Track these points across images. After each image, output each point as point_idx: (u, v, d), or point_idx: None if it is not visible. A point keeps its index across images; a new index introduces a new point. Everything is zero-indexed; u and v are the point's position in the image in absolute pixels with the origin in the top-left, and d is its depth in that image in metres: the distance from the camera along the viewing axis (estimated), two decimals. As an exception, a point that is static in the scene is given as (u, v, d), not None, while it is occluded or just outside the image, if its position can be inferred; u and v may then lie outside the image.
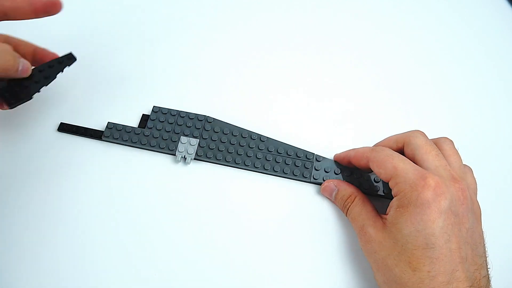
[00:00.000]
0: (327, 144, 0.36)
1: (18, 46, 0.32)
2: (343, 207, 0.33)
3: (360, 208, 0.31)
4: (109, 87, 0.39)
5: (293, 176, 0.34)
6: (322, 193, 0.34)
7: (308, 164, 0.35)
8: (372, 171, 0.32)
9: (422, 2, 0.46)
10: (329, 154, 0.36)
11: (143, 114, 0.37)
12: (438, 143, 0.31)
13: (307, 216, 0.34)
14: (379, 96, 0.40)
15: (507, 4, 0.47)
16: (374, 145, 0.34)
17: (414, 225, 0.26)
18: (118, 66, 0.40)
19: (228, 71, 0.41)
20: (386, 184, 0.33)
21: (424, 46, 0.43)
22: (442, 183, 0.27)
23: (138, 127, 0.36)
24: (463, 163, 0.31)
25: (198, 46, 0.42)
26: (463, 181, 0.28)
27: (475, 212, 0.29)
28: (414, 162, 0.29)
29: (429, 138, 0.31)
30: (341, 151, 0.35)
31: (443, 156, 0.30)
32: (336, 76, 0.41)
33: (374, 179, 0.34)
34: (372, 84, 0.41)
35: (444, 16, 0.46)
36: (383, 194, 0.33)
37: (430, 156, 0.29)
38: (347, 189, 0.33)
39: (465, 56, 0.43)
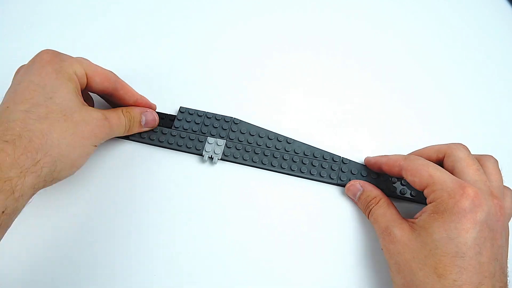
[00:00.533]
0: (354, 147, 0.37)
1: (125, 94, 0.34)
2: (365, 208, 0.32)
3: (385, 210, 0.31)
4: (136, 88, 0.39)
5: (319, 177, 0.35)
6: (346, 192, 0.34)
7: (334, 166, 0.35)
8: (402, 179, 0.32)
9: (425, 4, 0.47)
10: (356, 158, 0.36)
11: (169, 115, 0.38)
12: (481, 160, 0.31)
13: (332, 218, 0.34)
14: (406, 100, 0.41)
15: (507, 4, 0.48)
16: (412, 153, 0.35)
17: (447, 232, 0.26)
18: (145, 68, 0.41)
19: (255, 73, 0.41)
20: (414, 188, 0.33)
21: (438, 49, 0.44)
22: (481, 195, 0.26)
23: (164, 127, 0.37)
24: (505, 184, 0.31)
25: (226, 48, 0.43)
26: (501, 199, 0.28)
27: (506, 234, 0.28)
28: (453, 174, 0.29)
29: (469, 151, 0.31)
30: (369, 155, 0.35)
31: (484, 172, 0.29)
32: (364, 81, 0.41)
33: (401, 182, 0.34)
34: (396, 89, 0.41)
35: (445, 16, 0.47)
36: (410, 197, 0.34)
37: (470, 170, 0.29)
38: (372, 191, 0.33)
39: (470, 57, 0.44)
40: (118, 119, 0.32)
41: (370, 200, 0.32)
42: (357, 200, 0.34)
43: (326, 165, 0.35)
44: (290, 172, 0.35)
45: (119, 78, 0.33)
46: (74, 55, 0.32)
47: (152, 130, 0.36)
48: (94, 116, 0.30)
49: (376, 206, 0.31)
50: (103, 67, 0.33)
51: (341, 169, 0.35)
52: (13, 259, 0.31)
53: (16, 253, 0.31)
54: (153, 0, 0.46)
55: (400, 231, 0.28)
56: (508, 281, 0.27)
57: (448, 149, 0.31)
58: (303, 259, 0.32)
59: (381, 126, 0.39)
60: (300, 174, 0.35)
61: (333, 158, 0.35)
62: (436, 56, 0.44)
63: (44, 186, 0.27)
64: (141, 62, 0.41)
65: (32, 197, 0.27)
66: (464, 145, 0.31)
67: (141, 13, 0.45)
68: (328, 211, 0.34)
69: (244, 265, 0.32)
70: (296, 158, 0.35)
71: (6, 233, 0.26)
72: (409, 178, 0.30)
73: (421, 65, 0.43)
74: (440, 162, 0.31)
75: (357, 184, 0.34)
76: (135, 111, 0.35)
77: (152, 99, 0.38)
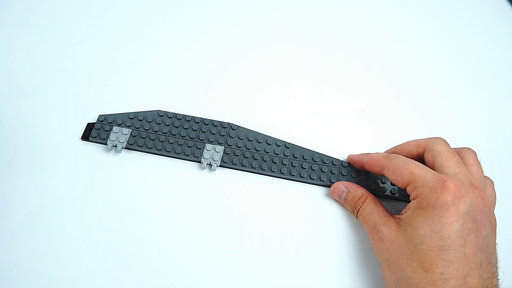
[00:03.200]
0: (353, 150, 0.36)
1: None
2: (353, 208, 0.33)
3: (372, 208, 0.31)
4: (133, 95, 0.39)
5: (319, 181, 0.35)
6: (331, 195, 0.34)
7: (334, 170, 0.35)
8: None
9: (425, 4, 0.48)
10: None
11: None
12: (461, 153, 0.31)
13: (334, 221, 0.34)
14: (403, 101, 0.41)
15: (507, 4, 0.48)
16: (393, 148, 0.35)
17: (431, 226, 0.26)
18: (136, 72, 0.40)
19: (251, 78, 0.41)
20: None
21: (438, 48, 0.45)
22: (462, 188, 0.27)
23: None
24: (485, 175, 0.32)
25: (221, 52, 0.43)
26: (482, 189, 0.29)
27: (491, 223, 0.29)
28: (433, 168, 0.30)
29: (452, 146, 0.31)
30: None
31: (465, 165, 0.30)
32: (362, 83, 0.41)
33: None
34: (394, 90, 0.41)
35: (445, 16, 0.47)
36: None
37: (450, 163, 0.29)
38: (357, 191, 0.33)
39: (469, 57, 0.44)
40: None
41: (357, 200, 0.32)
42: (343, 202, 0.34)
43: (325, 169, 0.35)
44: (290, 177, 0.35)
45: None
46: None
47: (149, 137, 0.36)
48: None
49: (363, 205, 0.32)
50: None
51: (341, 173, 0.35)
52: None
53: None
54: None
55: (387, 228, 0.29)
56: (497, 271, 0.27)
57: (428, 144, 0.31)
58: (305, 263, 0.32)
59: (380, 128, 0.39)
60: (300, 178, 0.35)
61: (333, 161, 0.35)
62: (435, 55, 0.44)
63: None
64: (133, 66, 0.41)
65: None
66: (443, 139, 0.31)
67: (134, 12, 0.45)
68: (329, 215, 0.34)
69: (245, 271, 0.31)
70: (295, 163, 0.35)
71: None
72: (391, 177, 0.30)
73: (420, 65, 0.43)
74: (420, 157, 0.32)
75: (341, 186, 0.34)
76: None
77: (145, 105, 0.38)
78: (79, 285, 0.30)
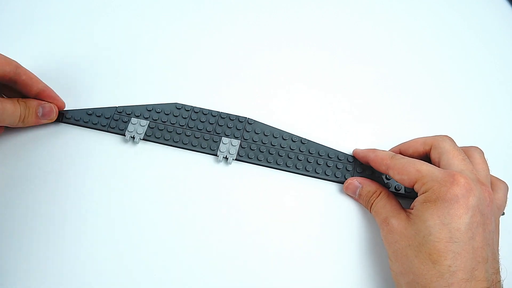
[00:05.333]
0: (369, 147, 0.37)
1: (28, 80, 0.33)
2: (367, 203, 0.33)
3: (385, 202, 0.31)
4: (147, 85, 0.40)
5: (334, 178, 0.35)
6: (345, 191, 0.34)
7: (349, 167, 0.35)
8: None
9: (426, 4, 0.48)
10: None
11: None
12: (468, 151, 0.32)
13: (348, 218, 0.34)
14: (417, 99, 0.41)
15: (507, 4, 0.48)
16: (399, 145, 0.35)
17: (440, 218, 0.26)
18: (154, 65, 0.41)
19: (268, 74, 0.41)
20: None
21: (438, 48, 0.45)
22: (471, 182, 0.27)
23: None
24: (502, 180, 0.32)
25: (239, 48, 0.43)
26: (489, 186, 0.29)
27: (495, 220, 0.29)
28: (439, 166, 0.30)
29: (459, 144, 0.32)
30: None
31: (471, 163, 0.30)
32: (377, 81, 0.42)
33: None
34: (407, 88, 0.42)
35: (446, 16, 0.47)
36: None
37: (456, 160, 0.30)
38: (371, 185, 0.33)
39: (469, 56, 0.44)
40: (12, 105, 0.32)
41: (371, 195, 0.33)
42: (357, 197, 0.34)
43: (341, 166, 0.35)
44: (305, 172, 0.35)
45: (21, 65, 0.33)
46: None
47: (166, 129, 0.36)
48: None
49: (377, 199, 0.32)
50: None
51: (356, 170, 0.35)
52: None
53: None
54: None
55: (397, 220, 0.29)
56: (500, 268, 0.28)
57: (434, 141, 0.32)
58: (318, 258, 0.32)
59: (394, 126, 0.39)
60: (315, 174, 0.35)
61: (348, 158, 0.36)
62: (436, 55, 0.44)
63: None
64: (152, 59, 0.41)
65: None
66: (449, 137, 0.32)
67: (154, 5, 0.45)
68: (343, 210, 0.34)
69: (259, 264, 0.32)
70: (310, 159, 0.35)
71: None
72: (396, 176, 0.30)
73: (427, 64, 0.43)
74: (427, 154, 0.32)
75: (355, 182, 0.34)
76: (32, 101, 0.34)
77: (163, 98, 0.39)
78: (99, 275, 0.31)
